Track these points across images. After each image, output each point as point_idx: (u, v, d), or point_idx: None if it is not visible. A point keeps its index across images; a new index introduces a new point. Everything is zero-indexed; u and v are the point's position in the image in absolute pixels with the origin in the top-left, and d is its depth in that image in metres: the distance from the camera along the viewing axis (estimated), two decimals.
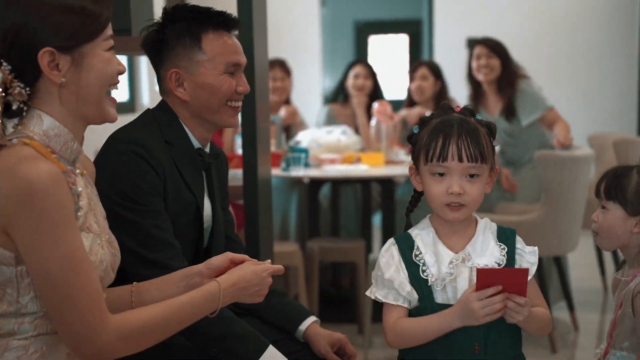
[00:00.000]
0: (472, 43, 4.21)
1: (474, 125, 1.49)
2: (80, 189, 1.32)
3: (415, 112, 4.29)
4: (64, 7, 1.26)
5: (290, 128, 4.47)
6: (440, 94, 4.35)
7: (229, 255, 1.48)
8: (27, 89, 1.26)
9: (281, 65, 4.45)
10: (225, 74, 1.74)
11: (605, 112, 6.20)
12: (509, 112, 3.96)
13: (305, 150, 3.90)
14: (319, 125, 4.56)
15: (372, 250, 4.00)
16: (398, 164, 4.05)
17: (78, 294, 1.22)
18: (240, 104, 1.79)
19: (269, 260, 1.50)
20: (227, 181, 1.96)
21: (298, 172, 3.79)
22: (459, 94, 4.90)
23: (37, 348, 1.26)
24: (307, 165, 3.89)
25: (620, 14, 6.18)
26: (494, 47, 4.00)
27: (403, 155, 4.18)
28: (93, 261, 1.28)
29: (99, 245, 1.31)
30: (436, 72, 4.36)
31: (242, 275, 1.42)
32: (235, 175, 3.03)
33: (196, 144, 1.77)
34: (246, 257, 1.49)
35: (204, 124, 1.77)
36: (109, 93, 1.37)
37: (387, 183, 3.91)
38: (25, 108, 1.28)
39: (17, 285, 1.25)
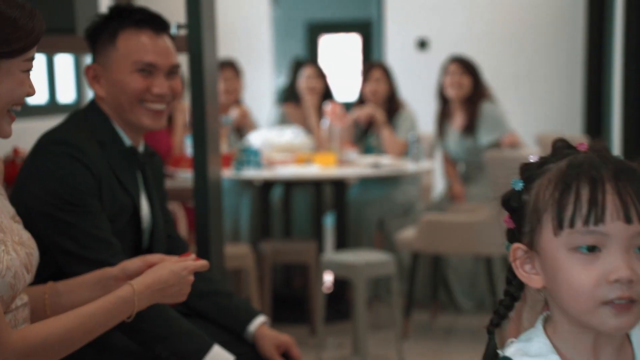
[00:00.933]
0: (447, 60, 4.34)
1: (633, 166, 0.88)
2: None
3: (365, 112, 4.31)
4: None
5: (241, 129, 4.45)
6: (392, 96, 4.39)
7: (145, 258, 1.45)
8: None
9: (232, 66, 4.43)
10: (136, 73, 1.71)
11: (551, 112, 6.33)
12: (467, 130, 4.14)
13: (256, 152, 3.88)
14: (271, 126, 4.55)
15: (324, 250, 4.00)
16: (350, 165, 4.07)
17: None
18: (158, 106, 1.74)
19: (193, 256, 1.45)
20: (163, 181, 1.94)
21: (250, 173, 3.77)
22: (409, 95, 4.94)
23: None
24: (258, 166, 3.87)
25: (565, 15, 6.32)
26: (468, 66, 4.19)
27: (354, 156, 4.20)
28: None
29: (3, 252, 1.24)
30: (389, 74, 4.40)
31: (158, 277, 1.36)
32: (186, 176, 3.00)
33: (128, 142, 1.75)
34: (163, 256, 1.45)
35: (126, 124, 1.75)
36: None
37: (339, 184, 3.92)
38: None
39: None
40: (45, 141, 1.66)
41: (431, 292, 3.96)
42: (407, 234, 3.68)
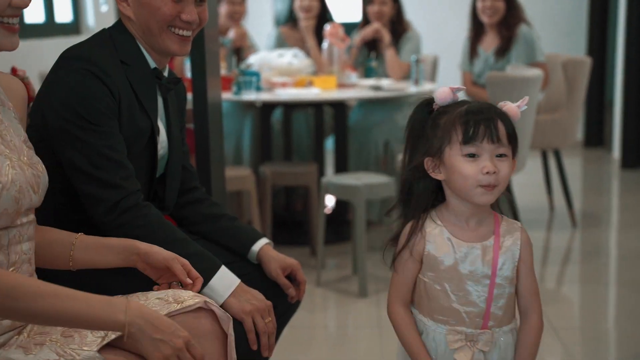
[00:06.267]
0: None
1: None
2: None
3: (372, 28, 4.25)
4: None
5: (240, 51, 4.39)
6: (398, 17, 4.32)
7: (171, 261, 1.43)
8: None
9: None
10: None
11: (555, 33, 6.24)
12: (501, 52, 4.14)
13: (256, 74, 3.85)
14: (269, 48, 4.49)
15: (324, 174, 4.02)
16: (350, 88, 4.03)
17: None
18: (186, 32, 1.72)
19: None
20: (184, 110, 1.92)
21: (250, 96, 3.75)
22: (414, 15, 4.85)
23: None
24: (258, 89, 3.84)
25: None
26: None
27: (355, 79, 4.16)
28: (4, 182, 1.23)
29: (8, 166, 1.26)
30: None
31: (157, 317, 1.24)
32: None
33: (152, 64, 1.72)
34: (184, 268, 1.44)
35: (152, 47, 1.72)
36: None
37: (339, 107, 3.90)
38: None
39: None
40: (68, 56, 1.63)
41: None
42: None
